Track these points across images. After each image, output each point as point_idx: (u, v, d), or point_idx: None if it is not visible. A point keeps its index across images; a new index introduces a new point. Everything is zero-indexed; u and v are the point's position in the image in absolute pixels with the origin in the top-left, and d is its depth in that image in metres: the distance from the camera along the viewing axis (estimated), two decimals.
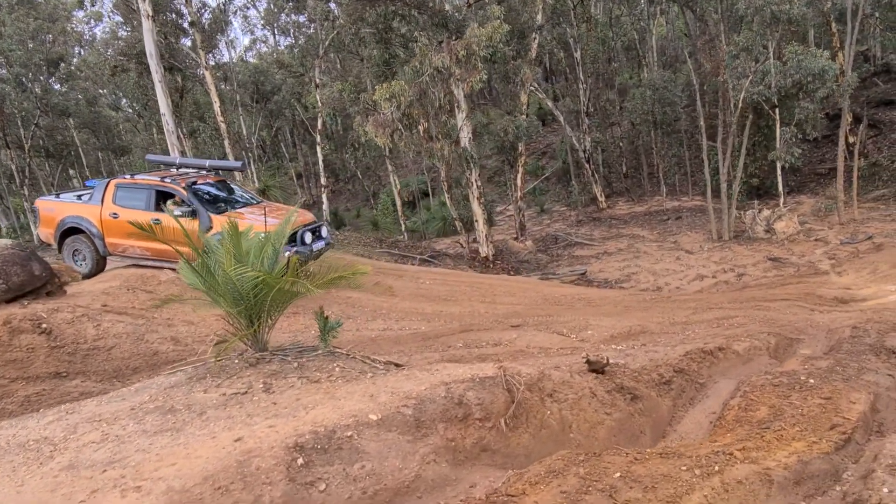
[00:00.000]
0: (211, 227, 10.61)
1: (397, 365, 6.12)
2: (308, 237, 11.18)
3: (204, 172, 11.97)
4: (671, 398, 7.07)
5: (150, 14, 17.90)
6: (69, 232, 11.13)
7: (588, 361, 6.62)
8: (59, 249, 11.31)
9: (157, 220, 10.51)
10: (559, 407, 5.63)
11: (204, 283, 5.19)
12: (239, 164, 13.17)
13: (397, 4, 14.94)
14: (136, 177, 11.26)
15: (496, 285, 12.98)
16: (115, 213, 10.79)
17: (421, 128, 14.08)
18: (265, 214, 10.85)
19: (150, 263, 10.94)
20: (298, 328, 9.87)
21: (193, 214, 10.61)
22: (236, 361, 5.24)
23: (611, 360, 6.98)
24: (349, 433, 3.97)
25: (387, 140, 13.23)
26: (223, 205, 11.31)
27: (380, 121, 13.13)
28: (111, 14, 24.95)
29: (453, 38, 14.98)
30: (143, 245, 10.77)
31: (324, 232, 11.86)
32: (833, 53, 21.53)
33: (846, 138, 21.47)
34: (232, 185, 12.54)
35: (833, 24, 22.23)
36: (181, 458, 3.61)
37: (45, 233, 11.39)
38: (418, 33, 14.80)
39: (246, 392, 4.78)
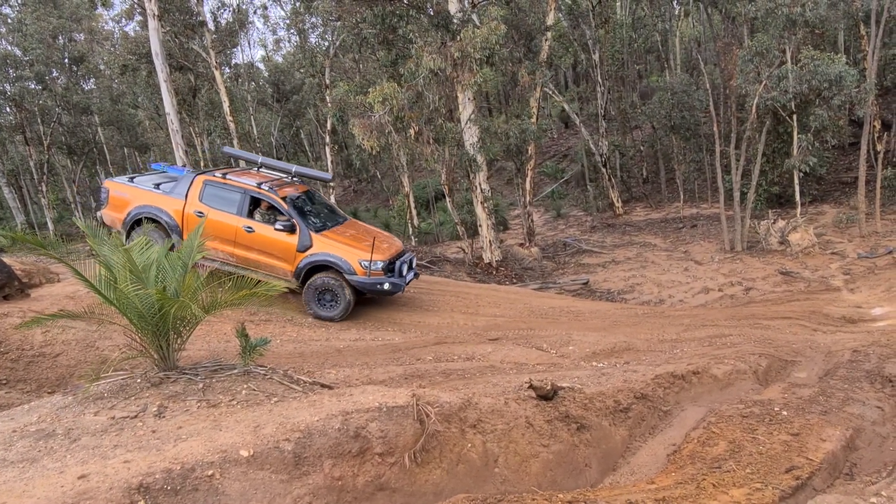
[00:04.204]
0: (310, 247, 10.18)
1: (324, 386, 5.81)
2: (405, 269, 10.82)
3: (288, 179, 11.21)
4: (627, 427, 6.62)
5: (156, 13, 17.94)
6: (141, 221, 10.41)
7: (532, 387, 6.23)
8: (127, 237, 10.47)
9: (250, 227, 10.18)
10: (483, 439, 5.25)
11: (107, 298, 4.95)
12: (328, 175, 12.42)
13: (395, 5, 14.63)
14: (227, 176, 10.49)
15: (482, 295, 12.58)
16: (200, 212, 10.19)
17: (412, 131, 13.76)
18: (366, 239, 10.43)
19: (230, 269, 10.03)
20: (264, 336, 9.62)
21: (292, 230, 10.14)
22: (139, 381, 4.99)
23: (564, 385, 6.57)
24: (210, 472, 3.67)
25: (374, 143, 12.96)
26: (316, 220, 10.75)
27: (366, 124, 12.84)
28: (137, 11, 25.19)
29: (457, 39, 14.62)
30: (227, 249, 10.24)
31: (413, 263, 11.48)
32: (863, 57, 20.56)
33: (873, 146, 20.48)
34: (315, 196, 11.73)
35: (862, 27, 21.24)
36: (14, 496, 3.36)
37: (111, 217, 10.70)
38: (416, 35, 14.49)
39: (136, 416, 4.53)
